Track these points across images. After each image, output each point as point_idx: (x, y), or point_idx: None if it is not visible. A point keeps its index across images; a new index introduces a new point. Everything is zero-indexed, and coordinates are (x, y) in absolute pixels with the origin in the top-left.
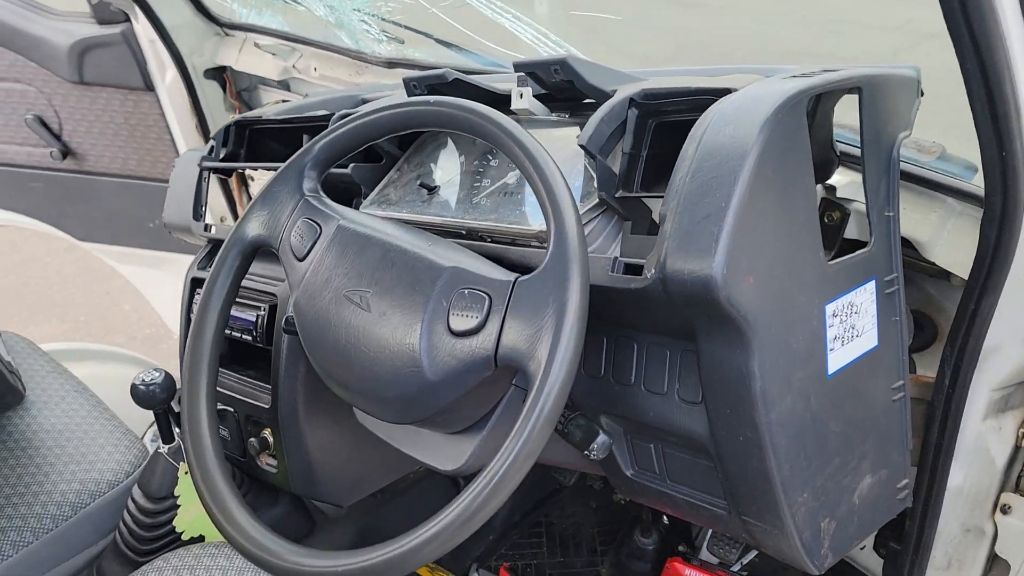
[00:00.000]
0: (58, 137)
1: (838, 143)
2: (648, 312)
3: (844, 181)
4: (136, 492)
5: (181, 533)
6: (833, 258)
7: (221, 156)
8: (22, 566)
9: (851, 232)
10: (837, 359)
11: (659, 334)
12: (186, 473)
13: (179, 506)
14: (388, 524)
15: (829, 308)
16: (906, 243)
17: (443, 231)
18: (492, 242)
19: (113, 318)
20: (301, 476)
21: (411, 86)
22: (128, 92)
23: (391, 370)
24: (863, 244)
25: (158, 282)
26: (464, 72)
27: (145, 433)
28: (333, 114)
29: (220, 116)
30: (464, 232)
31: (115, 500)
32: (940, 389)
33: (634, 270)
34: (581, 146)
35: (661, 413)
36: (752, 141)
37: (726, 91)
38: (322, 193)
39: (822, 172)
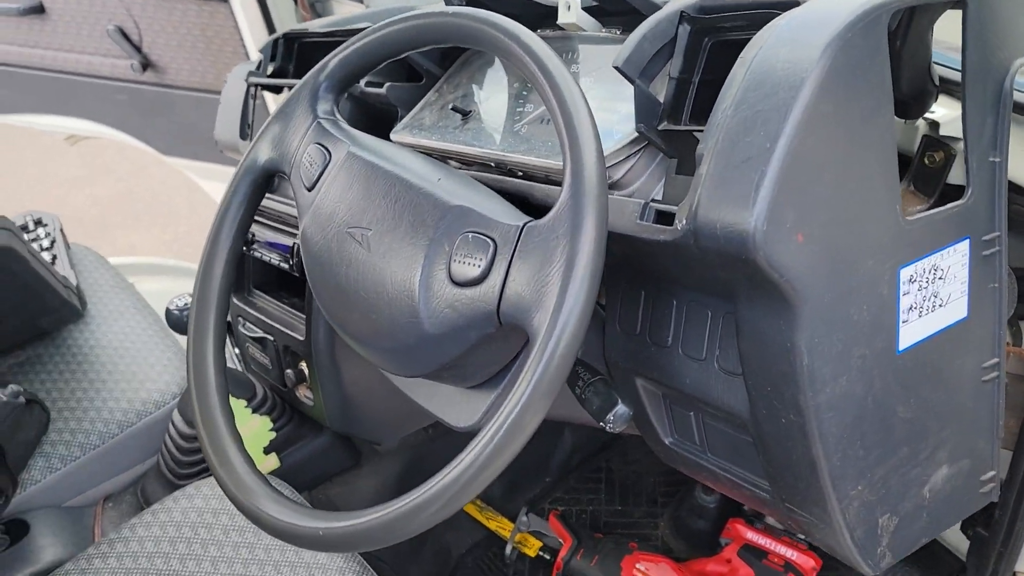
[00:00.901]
0: (138, 48)
1: (942, 67)
2: (685, 267)
3: (951, 115)
4: (176, 417)
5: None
6: (931, 206)
7: (269, 71)
8: (68, 481)
9: (957, 177)
10: (911, 333)
11: (700, 292)
12: None
13: None
14: (437, 460)
15: (905, 272)
16: (1015, 189)
17: (472, 161)
18: (523, 177)
19: (207, 228)
20: (337, 412)
21: None
22: (203, 2)
23: (388, 318)
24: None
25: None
26: None
27: None
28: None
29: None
30: (493, 164)
31: (161, 421)
32: None
33: (667, 218)
34: (616, 68)
35: (698, 381)
36: (810, 67)
37: (794, 3)
38: (338, 115)
39: (918, 105)
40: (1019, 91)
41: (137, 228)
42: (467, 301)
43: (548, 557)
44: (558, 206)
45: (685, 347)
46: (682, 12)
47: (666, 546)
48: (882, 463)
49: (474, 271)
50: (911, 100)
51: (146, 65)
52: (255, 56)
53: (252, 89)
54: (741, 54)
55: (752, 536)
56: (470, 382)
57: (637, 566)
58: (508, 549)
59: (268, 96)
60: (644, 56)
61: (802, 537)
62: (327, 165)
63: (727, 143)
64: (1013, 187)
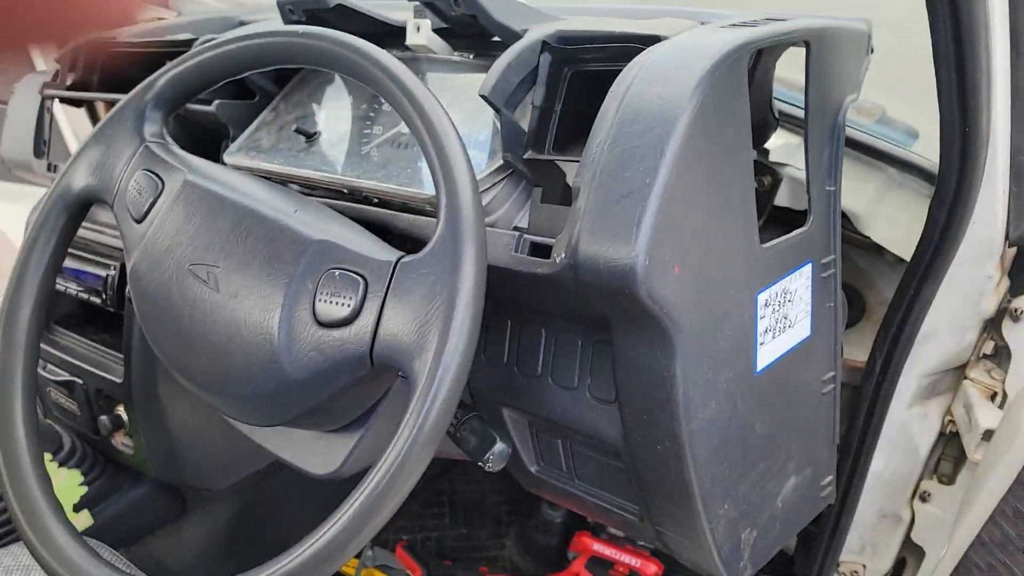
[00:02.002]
0: None
1: (777, 100)
2: (557, 298)
3: (778, 143)
4: None
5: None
6: (761, 226)
7: (68, 83)
8: None
9: (781, 199)
10: (767, 354)
11: (570, 322)
12: None
13: None
14: (272, 503)
15: (761, 297)
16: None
17: (321, 189)
18: (379, 205)
19: None
20: (162, 458)
21: (287, 11)
22: None
23: (243, 364)
24: (792, 212)
25: (16, 218)
26: None
27: None
28: (197, 39)
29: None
30: (346, 191)
31: None
32: (870, 375)
33: (542, 251)
34: (483, 96)
35: (570, 410)
36: (684, 104)
37: (655, 39)
38: (168, 139)
39: (758, 136)
40: (849, 126)
41: None
42: (335, 343)
43: None
44: (434, 241)
45: (556, 377)
46: (544, 41)
47: (514, 566)
48: (743, 479)
49: (342, 311)
50: (755, 130)
51: None
52: (41, 62)
53: (48, 102)
54: (611, 88)
55: (598, 547)
56: (330, 427)
57: None
58: None
59: (60, 110)
60: (509, 85)
61: (643, 544)
62: (159, 194)
63: (605, 178)
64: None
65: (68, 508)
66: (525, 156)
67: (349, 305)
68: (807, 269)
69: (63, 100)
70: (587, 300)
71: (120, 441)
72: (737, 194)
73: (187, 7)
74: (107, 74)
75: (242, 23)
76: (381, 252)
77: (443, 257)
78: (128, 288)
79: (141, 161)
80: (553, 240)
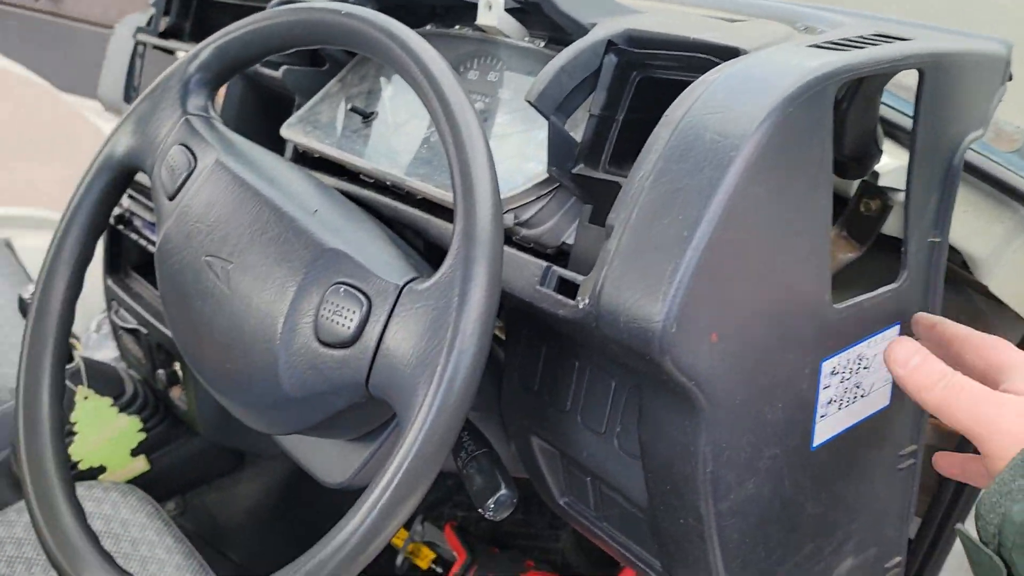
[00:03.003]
0: None
1: (891, 110)
2: (588, 339)
3: (893, 164)
4: None
5: (78, 463)
6: (862, 255)
7: (161, 28)
8: None
9: (893, 228)
10: (828, 428)
11: (605, 358)
12: (85, 398)
13: (75, 433)
14: None
15: (827, 365)
16: (954, 252)
17: (364, 177)
18: (414, 206)
19: None
20: (212, 420)
21: None
22: None
23: (244, 370)
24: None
25: None
26: None
27: None
28: None
29: None
30: (388, 184)
31: (6, 415)
32: (967, 441)
33: (570, 288)
34: (529, 102)
35: (596, 456)
36: (741, 144)
37: (733, 52)
38: (212, 112)
39: (858, 167)
40: (982, 153)
41: (27, 166)
42: (333, 365)
43: (440, 571)
44: (444, 270)
45: (585, 416)
46: (609, 42)
47: (565, 561)
48: (784, 563)
49: (344, 331)
50: (852, 162)
51: None
52: None
53: (140, 47)
54: (666, 113)
55: None
56: (345, 437)
57: None
58: (399, 559)
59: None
60: (562, 91)
61: None
62: (191, 172)
63: (641, 219)
64: (950, 250)
65: (126, 452)
66: (574, 171)
67: (350, 325)
68: (892, 332)
69: (153, 47)
70: (614, 354)
71: (177, 396)
72: (807, 247)
73: None
74: (198, 23)
75: None
76: (391, 271)
77: (450, 289)
78: None
79: (180, 134)
80: (582, 279)
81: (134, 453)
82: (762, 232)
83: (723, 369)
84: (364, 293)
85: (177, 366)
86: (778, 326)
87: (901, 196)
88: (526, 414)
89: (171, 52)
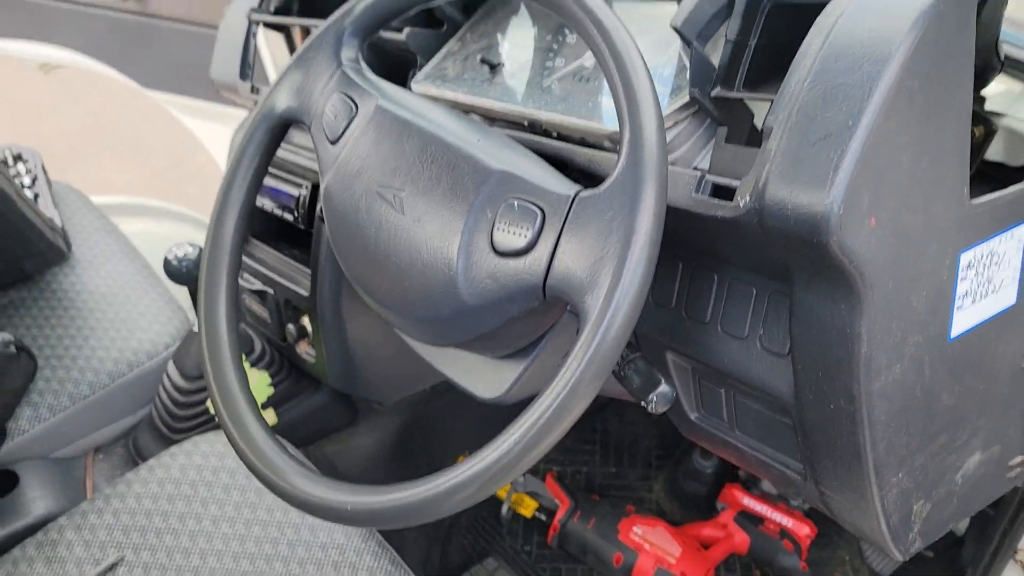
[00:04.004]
0: None
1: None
2: (735, 244)
3: (997, 89)
4: (171, 368)
5: (215, 415)
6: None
7: (273, 7)
8: (57, 431)
9: (994, 153)
10: (964, 320)
11: (746, 269)
12: None
13: None
14: (437, 421)
15: (964, 257)
16: None
17: (502, 120)
18: (558, 138)
19: (188, 166)
20: (339, 370)
21: None
22: None
23: (423, 286)
24: (1006, 169)
25: (224, 137)
26: None
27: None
28: None
29: None
30: (526, 123)
31: (153, 372)
32: None
33: (724, 193)
34: (675, 28)
35: (738, 360)
36: (899, 39)
37: None
38: (363, 64)
39: (979, 80)
40: None
41: (113, 162)
42: (510, 272)
43: (544, 518)
44: (614, 176)
45: (725, 324)
46: None
47: (660, 509)
48: (922, 450)
49: (519, 241)
50: (976, 72)
51: None
52: None
53: (253, 27)
54: (817, 20)
55: (748, 502)
56: (499, 353)
57: (634, 529)
58: (504, 509)
59: (262, 37)
60: (703, 17)
61: (797, 504)
62: (353, 118)
63: (803, 117)
64: None
65: (258, 407)
66: (713, 93)
67: (526, 236)
68: (1020, 230)
69: (268, 25)
70: (770, 248)
71: (304, 350)
72: (950, 143)
73: None
74: (306, 0)
75: None
76: (560, 185)
77: (622, 194)
78: (320, 206)
79: (337, 84)
80: (736, 183)
81: (264, 407)
82: (914, 124)
83: (880, 254)
84: (538, 206)
85: (305, 321)
86: (924, 216)
87: (1004, 121)
88: (663, 330)
89: (285, 29)
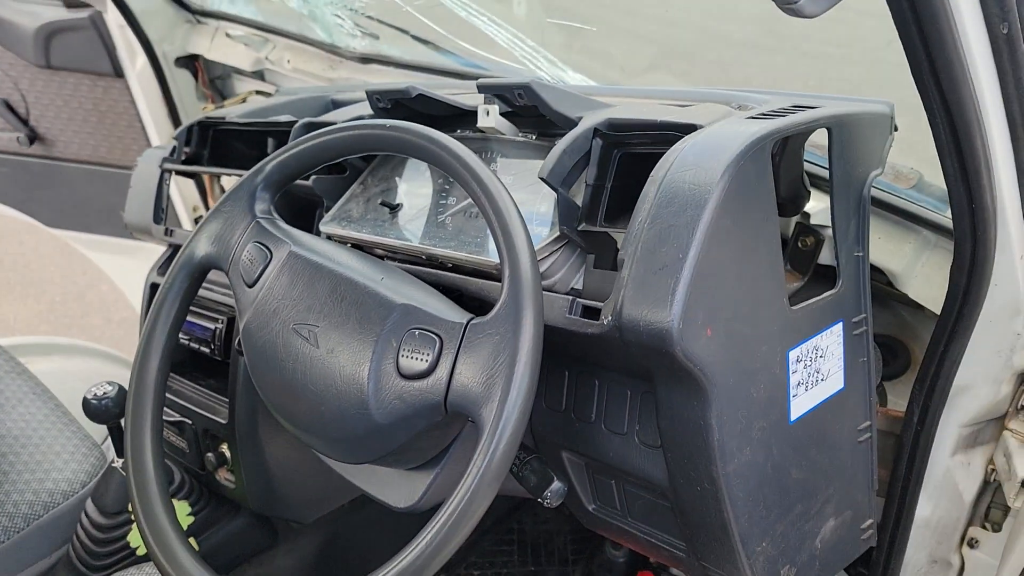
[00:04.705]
0: (25, 122)
1: (814, 165)
2: (607, 354)
3: (819, 207)
4: (89, 506)
5: (135, 549)
6: (805, 283)
7: (183, 157)
8: None
9: (826, 258)
10: (800, 405)
11: (620, 374)
12: None
13: (133, 521)
14: (355, 535)
15: (792, 354)
16: (878, 271)
17: (403, 254)
18: (453, 269)
19: (90, 298)
20: (259, 493)
21: (375, 100)
22: (97, 78)
23: (337, 410)
24: (836, 270)
25: (129, 270)
26: (439, 72)
27: (106, 439)
28: (296, 122)
29: (192, 105)
30: (424, 258)
31: (70, 512)
32: (909, 425)
33: (593, 312)
34: (542, 179)
35: (621, 454)
36: (712, 189)
37: (692, 127)
38: (275, 215)
39: (793, 206)
40: (876, 187)
41: (12, 301)
42: (415, 393)
43: None
44: (499, 305)
45: (608, 423)
46: (595, 128)
47: None
48: (781, 520)
49: (422, 365)
50: (788, 202)
51: (33, 138)
52: (153, 131)
53: (166, 175)
54: (652, 174)
55: None
56: (410, 464)
57: None
58: None
59: (174, 183)
60: (565, 167)
61: None
62: (268, 263)
63: (645, 252)
64: (874, 268)
65: None
66: (579, 228)
67: (427, 360)
68: (838, 327)
69: (179, 173)
70: (632, 356)
71: (223, 476)
72: (765, 264)
73: (283, 83)
74: (217, 150)
75: (334, 103)
76: (454, 314)
77: (506, 320)
78: (238, 342)
79: (253, 234)
80: (601, 305)
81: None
82: (733, 252)
83: (718, 357)
84: (436, 334)
85: (224, 448)
86: (753, 323)
87: (829, 232)
88: (556, 431)
89: (191, 176)
